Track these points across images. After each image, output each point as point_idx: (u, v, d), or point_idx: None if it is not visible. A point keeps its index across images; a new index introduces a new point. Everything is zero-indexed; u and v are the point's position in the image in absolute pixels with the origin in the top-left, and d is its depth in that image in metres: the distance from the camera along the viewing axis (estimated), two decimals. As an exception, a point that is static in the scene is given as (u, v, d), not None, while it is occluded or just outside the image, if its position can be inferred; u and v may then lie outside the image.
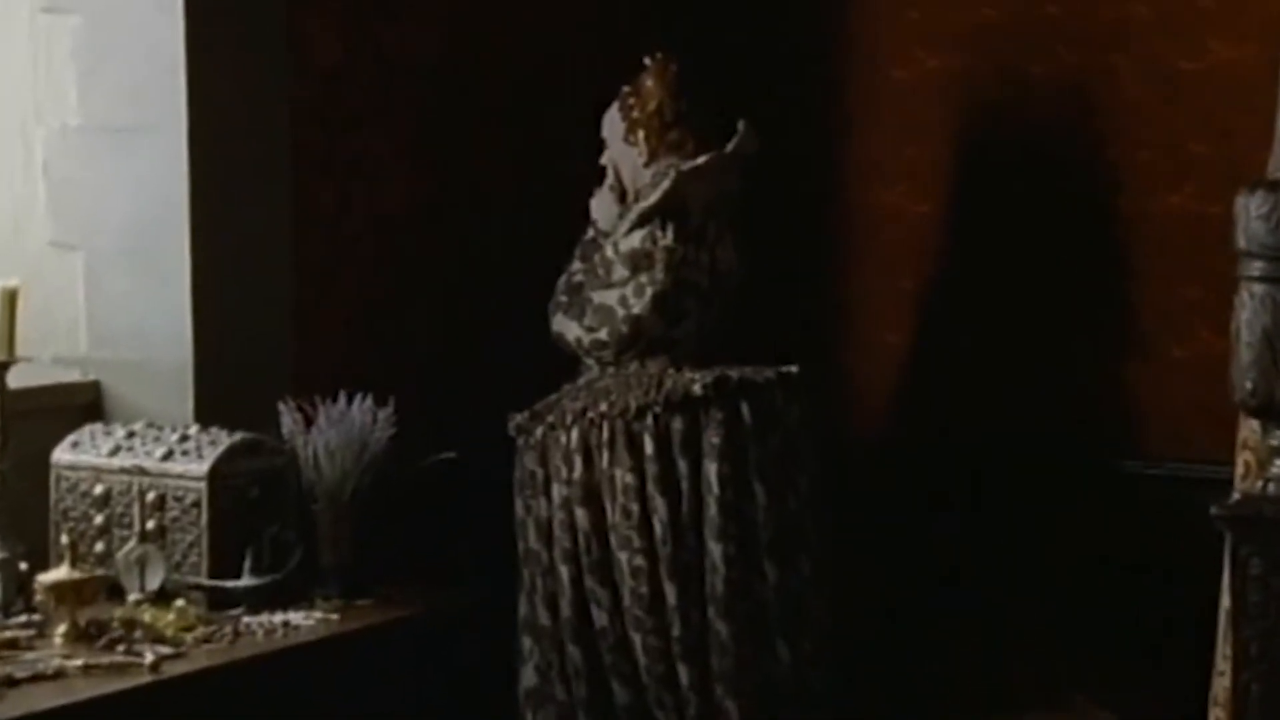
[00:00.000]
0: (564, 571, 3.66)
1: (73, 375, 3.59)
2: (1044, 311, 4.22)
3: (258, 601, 3.22)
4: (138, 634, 3.02)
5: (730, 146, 3.74)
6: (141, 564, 3.20)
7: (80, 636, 2.99)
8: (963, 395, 4.28)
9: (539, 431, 3.69)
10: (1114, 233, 4.15)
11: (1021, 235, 4.24)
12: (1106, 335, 4.17)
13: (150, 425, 3.37)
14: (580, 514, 3.63)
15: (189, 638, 3.05)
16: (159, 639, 3.01)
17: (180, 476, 3.24)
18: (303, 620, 3.18)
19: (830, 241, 4.42)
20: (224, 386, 3.52)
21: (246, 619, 3.17)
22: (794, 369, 3.70)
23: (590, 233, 3.82)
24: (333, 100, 3.77)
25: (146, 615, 3.10)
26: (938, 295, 4.32)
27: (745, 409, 3.62)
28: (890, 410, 4.36)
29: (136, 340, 3.53)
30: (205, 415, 3.47)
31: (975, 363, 4.28)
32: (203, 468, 3.24)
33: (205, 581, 3.23)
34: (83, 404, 3.53)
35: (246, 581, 3.23)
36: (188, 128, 3.45)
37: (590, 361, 3.75)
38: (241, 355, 3.55)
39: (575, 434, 3.63)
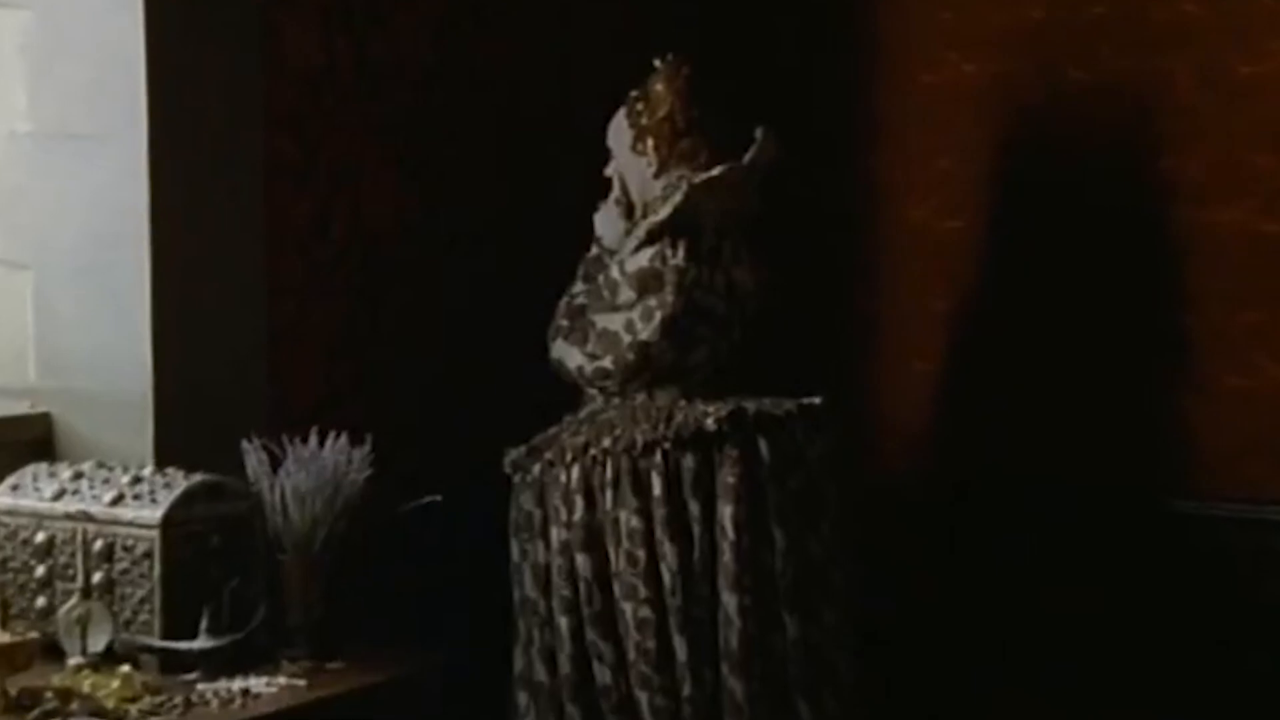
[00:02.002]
0: (563, 623, 3.56)
1: (20, 407, 3.48)
2: (1088, 337, 4.14)
3: (216, 665, 3.03)
4: (74, 706, 2.78)
5: (747, 157, 3.65)
6: (83, 623, 2.99)
7: (9, 709, 2.77)
8: (999, 428, 4.21)
9: (536, 469, 3.60)
10: (1165, 251, 4.07)
11: (1063, 254, 4.16)
12: (1157, 363, 4.09)
13: (100, 465, 3.21)
14: (581, 560, 3.54)
15: (133, 710, 2.81)
16: (98, 712, 2.78)
17: (130, 524, 3.09)
18: (265, 687, 2.96)
19: (855, 261, 4.38)
20: (188, 422, 3.39)
21: (201, 686, 2.97)
22: (816, 401, 3.61)
23: (594, 251, 3.74)
24: (312, 106, 3.67)
25: (86, 683, 2.87)
26: (972, 319, 4.26)
27: (763, 445, 3.53)
28: (920, 445, 4.30)
29: (91, 369, 3.42)
30: (167, 453, 3.33)
31: (1012, 393, 4.20)
32: (156, 514, 3.08)
33: (157, 643, 3.04)
34: (30, 439, 3.42)
35: (203, 643, 3.03)
36: (148, 134, 3.35)
37: (593, 392, 3.66)
38: (208, 386, 3.44)
39: (576, 472, 3.55)
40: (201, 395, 3.43)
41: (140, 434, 3.37)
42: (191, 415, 3.41)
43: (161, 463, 3.28)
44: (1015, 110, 4.19)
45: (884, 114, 4.33)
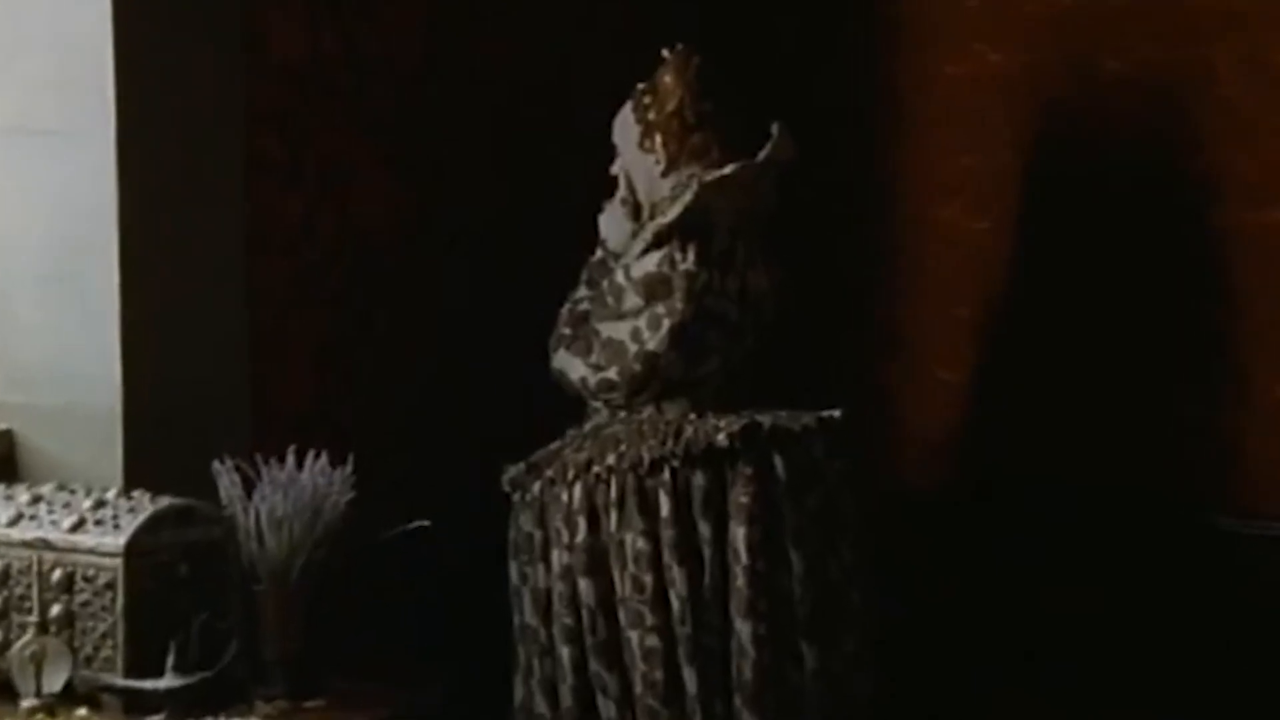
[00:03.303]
0: (565, 653, 3.52)
1: (-21, 424, 3.43)
2: (1123, 344, 4.08)
3: (184, 706, 2.98)
4: (27, 751, 2.74)
5: (762, 154, 3.59)
6: (39, 660, 2.93)
7: (-46, 756, 2.75)
8: (1029, 441, 4.16)
9: (536, 487, 3.56)
10: (1206, 253, 4.00)
11: (1096, 256, 4.10)
12: (1198, 372, 4.02)
13: (61, 488, 3.14)
14: (584, 585, 3.50)
15: (92, 755, 2.79)
16: (53, 758, 2.75)
17: (91, 551, 3.02)
18: (237, 729, 2.95)
19: (876, 264, 4.33)
20: (161, 439, 3.34)
21: (168, 728, 2.94)
22: (836, 414, 3.56)
23: (598, 254, 3.70)
24: (297, 101, 3.63)
25: (40, 728, 2.85)
26: (999, 325, 4.21)
27: (779, 462, 3.49)
28: (945, 458, 4.25)
29: (56, 383, 3.37)
30: (138, 473, 3.28)
31: (1043, 403, 4.14)
32: (119, 540, 3.01)
33: (119, 681, 2.99)
34: (-9, 458, 3.38)
35: (170, 681, 2.98)
36: (116, 131, 3.29)
37: (597, 405, 3.62)
38: (183, 401, 3.38)
39: (578, 491, 3.51)
40: (176, 410, 3.38)
41: (109, 452, 3.32)
42: (165, 432, 3.36)
43: (132, 483, 3.22)
44: (1045, 103, 4.14)
45: (905, 107, 4.29)
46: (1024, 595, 4.04)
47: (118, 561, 3.01)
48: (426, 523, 3.18)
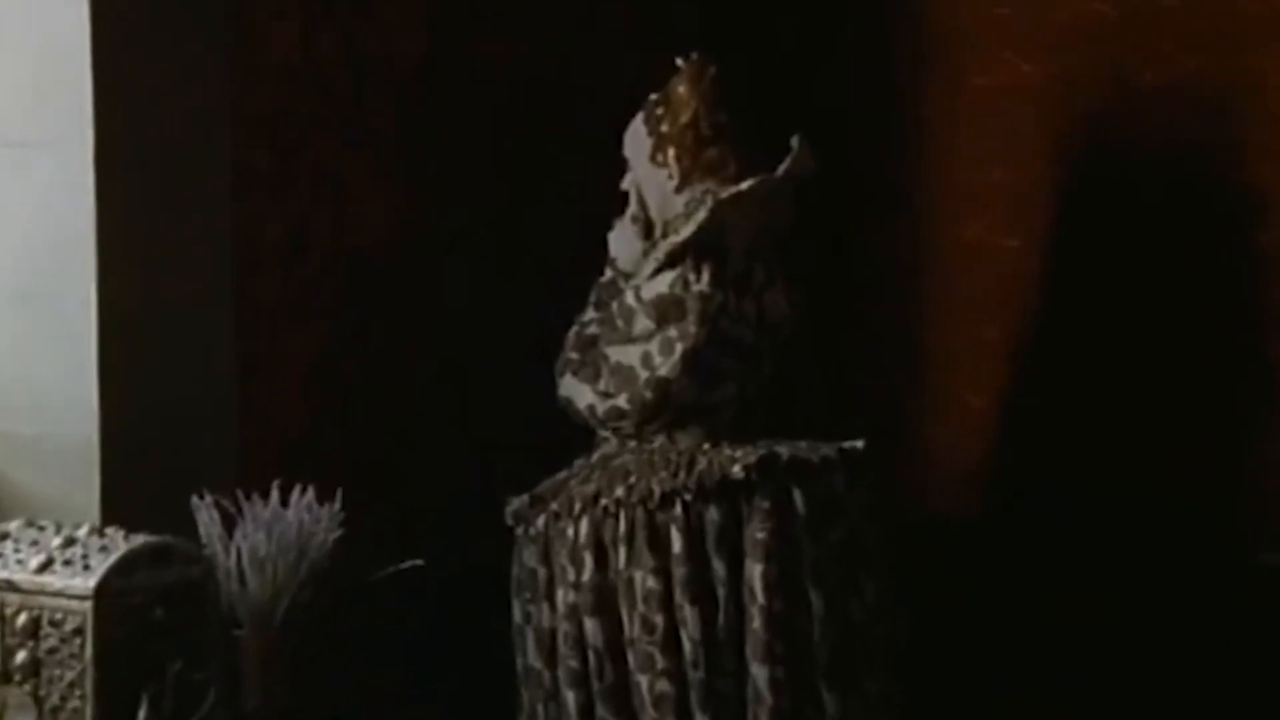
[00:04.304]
0: (570, 698, 3.47)
1: (-54, 455, 3.42)
2: (1163, 370, 4.04)
3: None
4: (-14, 812, 2.72)
5: (781, 168, 3.52)
6: (1, 712, 2.92)
7: (-95, 816, 2.71)
8: (1061, 470, 4.11)
9: (541, 521, 3.50)
10: (1252, 274, 3.96)
11: (1133, 277, 4.05)
12: (1242, 399, 3.98)
13: (29, 524, 3.08)
14: (591, 626, 3.45)
15: (57, 816, 2.75)
16: (14, 820, 2.72)
17: (59, 594, 2.94)
18: (214, 790, 2.90)
19: (900, 284, 4.31)
20: (141, 471, 3.29)
21: (140, 787, 2.87)
22: (859, 445, 3.50)
23: (608, 274, 3.64)
24: (289, 106, 3.61)
25: (2, 785, 2.83)
26: (1031, 349, 4.18)
27: (798, 496, 3.43)
28: (973, 487, 4.21)
29: (29, 409, 3.33)
30: (116, 507, 3.24)
31: (1076, 431, 4.09)
32: (88, 582, 2.93)
33: None
34: (-42, 491, 3.37)
35: None
36: (94, 141, 3.25)
37: (606, 434, 3.56)
38: (165, 429, 3.33)
39: (585, 525, 3.45)
40: (157, 439, 3.33)
41: (85, 485, 3.28)
42: (145, 463, 3.31)
43: (109, 518, 3.18)
44: (1079, 116, 4.11)
45: (931, 119, 4.26)
46: (1032, 603, 4.01)
47: (87, 605, 2.95)
48: (420, 562, 3.14)
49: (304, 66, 3.61)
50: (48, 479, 3.28)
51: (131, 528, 3.08)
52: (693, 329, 3.44)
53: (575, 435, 3.58)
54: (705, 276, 3.45)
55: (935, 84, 4.21)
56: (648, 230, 3.58)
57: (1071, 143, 4.09)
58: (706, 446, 3.47)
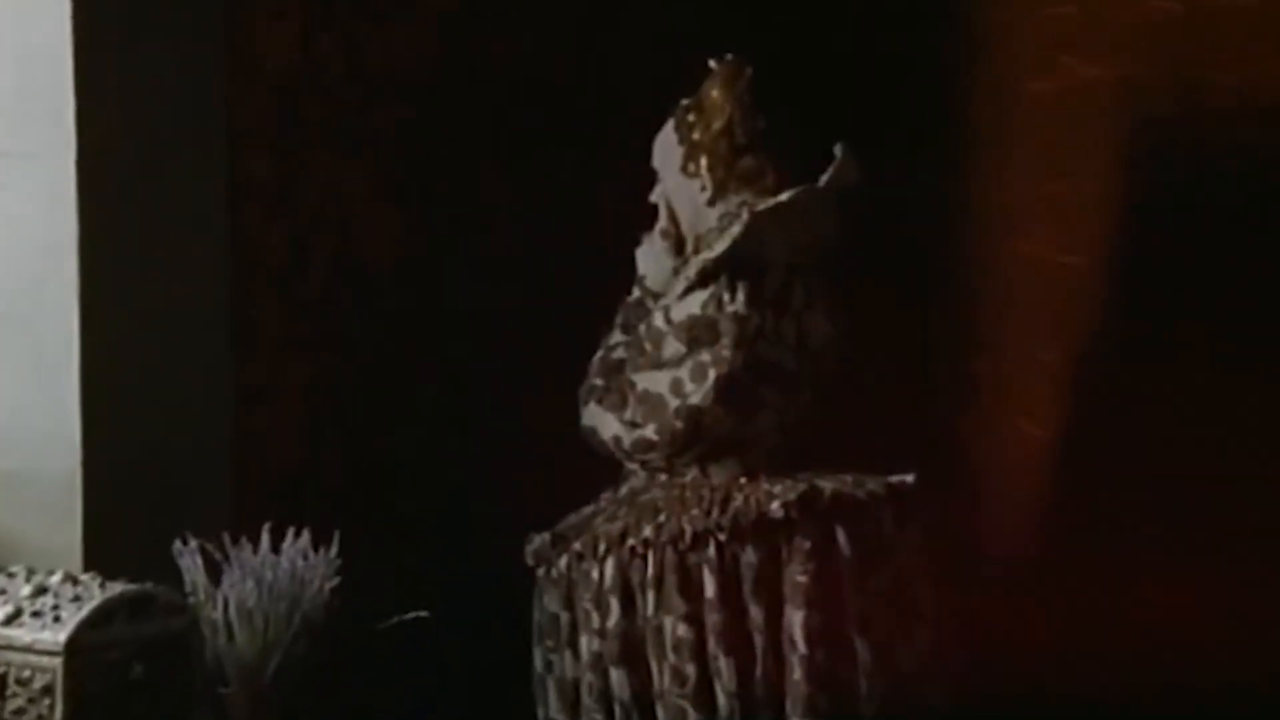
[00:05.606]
0: None
1: (-84, 492, 3.40)
2: (1233, 397, 3.92)
3: None
4: None
5: (823, 179, 3.45)
6: None
7: None
8: (1123, 503, 4.00)
9: (563, 562, 3.43)
10: None
11: (1203, 295, 3.95)
12: None
13: None
14: (617, 676, 3.36)
15: None
16: None
17: (28, 649, 2.85)
18: None
19: (950, 304, 4.23)
20: (127, 510, 3.24)
21: None
22: (908, 479, 3.43)
23: (635, 294, 3.56)
24: (288, 117, 3.57)
25: None
26: (1091, 373, 4.08)
27: (842, 535, 3.36)
28: (1028, 522, 4.12)
29: (4, 441, 3.29)
30: (99, 550, 3.19)
31: (1139, 462, 4.00)
32: (59, 636, 2.84)
33: None
34: (-70, 530, 3.34)
35: None
36: (77, 153, 3.21)
37: (634, 467, 3.48)
38: (153, 464, 3.30)
39: (611, 567, 3.38)
40: (144, 475, 3.29)
41: (66, 525, 3.23)
42: (131, 500, 3.26)
43: (92, 561, 3.15)
44: (1144, 123, 4.02)
45: (986, 128, 4.19)
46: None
47: (57, 661, 2.86)
48: (426, 613, 3.07)
49: (304, 73, 3.59)
50: (25, 519, 3.24)
51: (116, 572, 3.02)
52: (727, 353, 3.35)
53: (600, 468, 3.50)
54: (741, 296, 3.38)
55: (986, 90, 4.15)
56: (678, 246, 3.50)
57: (1135, 152, 4.02)
58: (743, 481, 3.39)
